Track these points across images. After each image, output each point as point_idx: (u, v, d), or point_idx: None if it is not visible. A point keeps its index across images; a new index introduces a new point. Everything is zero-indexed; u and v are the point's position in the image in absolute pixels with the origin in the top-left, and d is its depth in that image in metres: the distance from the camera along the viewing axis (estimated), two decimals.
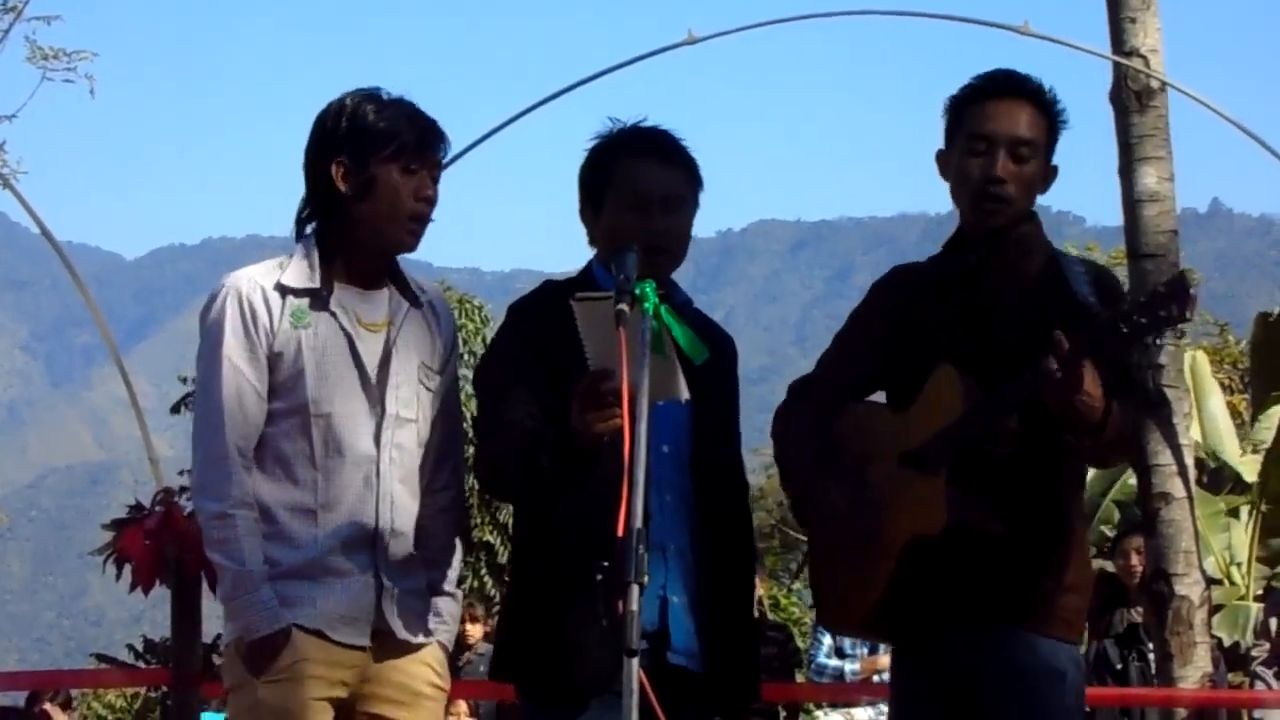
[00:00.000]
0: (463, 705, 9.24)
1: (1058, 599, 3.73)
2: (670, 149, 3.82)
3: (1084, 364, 3.46)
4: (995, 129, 3.76)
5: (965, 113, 3.82)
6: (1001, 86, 3.82)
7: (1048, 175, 3.85)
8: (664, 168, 3.78)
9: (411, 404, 3.76)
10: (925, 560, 3.67)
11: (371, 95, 3.74)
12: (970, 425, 3.64)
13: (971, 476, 3.64)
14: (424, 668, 3.78)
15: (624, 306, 3.15)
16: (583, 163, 3.86)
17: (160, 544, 5.48)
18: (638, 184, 3.75)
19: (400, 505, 3.73)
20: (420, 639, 3.77)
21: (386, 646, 3.72)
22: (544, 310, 3.73)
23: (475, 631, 10.07)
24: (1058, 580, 3.73)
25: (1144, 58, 7.90)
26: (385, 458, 3.71)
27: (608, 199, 3.78)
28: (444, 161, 3.82)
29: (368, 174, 3.67)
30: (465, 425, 4.22)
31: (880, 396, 3.97)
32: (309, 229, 3.78)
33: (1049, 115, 3.82)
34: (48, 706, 10.05)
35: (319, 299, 3.70)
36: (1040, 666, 3.69)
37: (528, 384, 3.63)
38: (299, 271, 3.71)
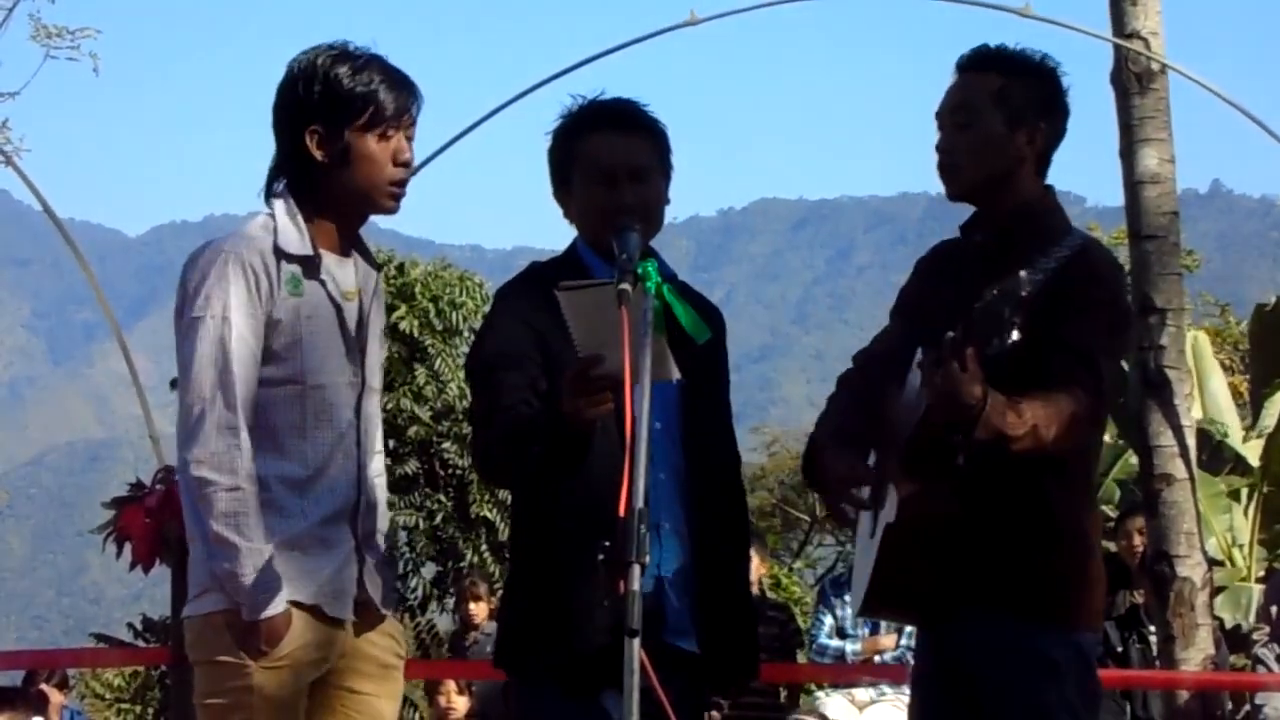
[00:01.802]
0: (451, 684, 9.16)
1: (1043, 583, 3.66)
2: (631, 119, 3.79)
3: (958, 360, 3.38)
4: (939, 107, 3.84)
5: None
6: (956, 65, 3.85)
7: (1020, 134, 3.76)
8: (627, 139, 3.75)
9: (377, 372, 3.77)
10: (906, 543, 3.65)
11: (342, 55, 3.66)
12: (923, 417, 3.56)
13: (937, 461, 3.60)
14: (389, 639, 3.78)
15: (626, 286, 3.14)
16: (549, 145, 3.83)
17: (160, 522, 5.48)
18: (602, 158, 3.72)
19: (371, 475, 3.75)
20: (389, 609, 3.78)
21: (364, 619, 3.72)
22: (532, 292, 3.71)
23: (480, 610, 9.96)
24: (1044, 563, 3.67)
25: (1144, 40, 7.90)
26: (362, 428, 3.70)
27: (575, 177, 3.77)
28: (417, 115, 3.74)
29: (344, 142, 3.61)
30: (466, 402, 4.22)
31: None
32: (280, 186, 3.70)
33: (1010, 75, 3.77)
34: (44, 687, 10.02)
35: (310, 265, 3.64)
36: (1026, 653, 3.64)
37: (520, 369, 3.62)
38: (290, 235, 3.63)
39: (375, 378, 3.76)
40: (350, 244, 3.75)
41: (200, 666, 3.63)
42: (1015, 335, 3.31)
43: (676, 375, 3.33)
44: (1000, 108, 3.76)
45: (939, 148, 3.83)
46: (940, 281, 3.87)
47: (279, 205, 3.66)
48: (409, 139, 3.70)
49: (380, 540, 3.78)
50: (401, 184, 3.70)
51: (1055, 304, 3.55)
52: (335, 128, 3.61)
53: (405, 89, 3.68)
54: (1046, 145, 3.82)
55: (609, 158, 3.72)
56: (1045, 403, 3.52)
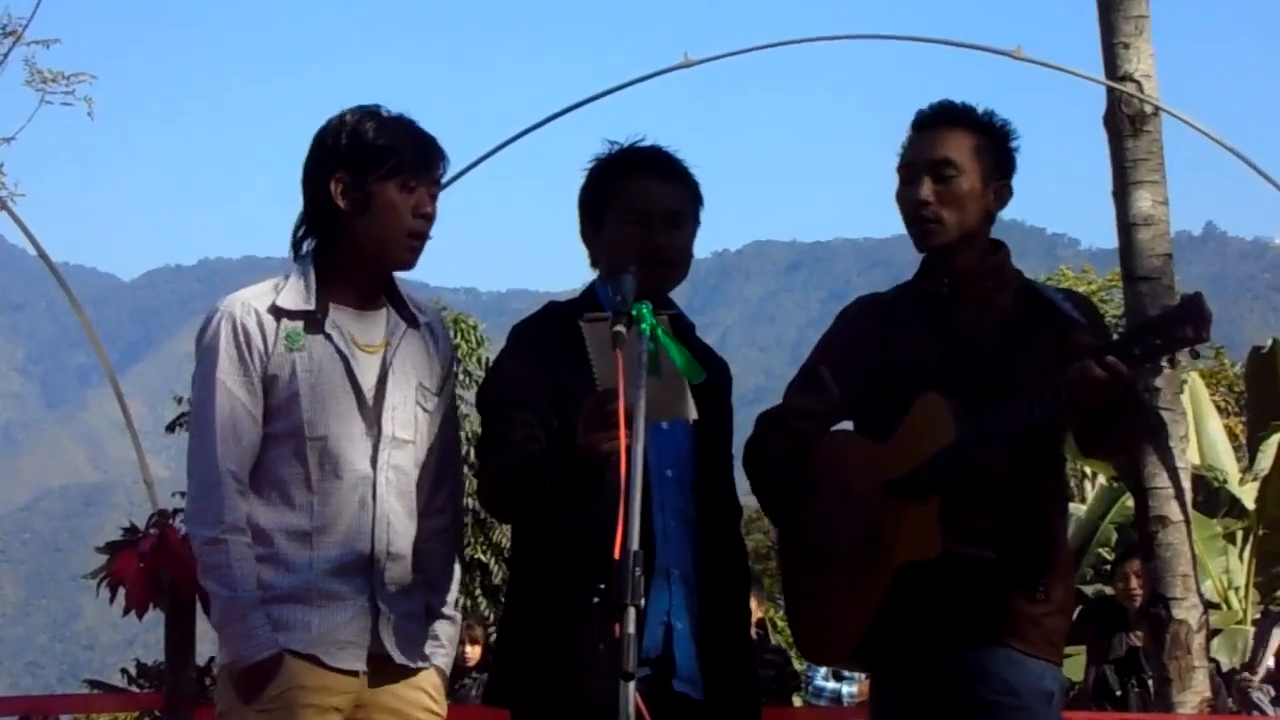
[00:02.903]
0: None
1: (1045, 620, 3.73)
2: (671, 166, 3.83)
3: (1123, 365, 3.48)
4: (914, 156, 3.86)
5: (903, 146, 3.91)
6: (923, 118, 3.90)
7: (989, 191, 3.84)
8: (665, 183, 3.79)
9: (409, 425, 3.74)
10: (917, 586, 3.66)
11: (371, 112, 3.73)
12: (967, 450, 3.63)
13: (959, 498, 3.64)
14: (420, 693, 3.75)
15: (620, 328, 3.14)
16: (583, 183, 3.86)
17: (154, 567, 5.45)
18: (639, 199, 3.75)
19: (397, 527, 3.71)
20: (417, 663, 3.74)
21: (383, 671, 3.69)
22: (547, 332, 3.72)
23: (473, 654, 9.96)
24: (1046, 601, 3.74)
25: (1137, 83, 7.92)
26: (382, 479, 3.68)
27: (608, 216, 3.78)
28: (442, 180, 3.81)
29: (367, 190, 3.66)
30: (460, 445, 4.20)
31: (846, 426, 3.97)
32: (306, 248, 3.77)
33: (981, 133, 3.85)
34: None
35: (313, 321, 3.68)
36: (1032, 687, 3.69)
37: (531, 406, 3.62)
38: (294, 293, 3.69)
39: (404, 430, 3.74)
40: (378, 297, 3.78)
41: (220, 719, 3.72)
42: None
43: (694, 414, 3.33)
44: (978, 163, 3.83)
45: (917, 199, 3.83)
46: (900, 331, 3.87)
47: (297, 266, 3.74)
48: (432, 197, 3.74)
49: (413, 593, 3.75)
50: (419, 236, 3.72)
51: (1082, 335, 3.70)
52: (359, 175, 3.66)
53: (430, 147, 3.74)
54: (1005, 202, 3.91)
55: (646, 200, 3.75)
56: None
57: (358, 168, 3.66)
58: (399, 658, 3.69)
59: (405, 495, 3.73)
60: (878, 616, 3.72)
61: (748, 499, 3.98)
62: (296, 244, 3.79)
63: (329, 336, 3.68)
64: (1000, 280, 3.88)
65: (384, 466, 3.69)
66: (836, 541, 3.78)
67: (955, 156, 3.81)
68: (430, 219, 3.73)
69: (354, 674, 3.65)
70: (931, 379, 3.72)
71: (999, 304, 3.83)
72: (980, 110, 3.90)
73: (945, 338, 3.81)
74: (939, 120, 3.88)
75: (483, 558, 25.11)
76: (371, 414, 3.69)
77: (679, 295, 3.89)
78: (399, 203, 3.67)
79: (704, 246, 3.91)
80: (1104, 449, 3.89)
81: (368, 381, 3.70)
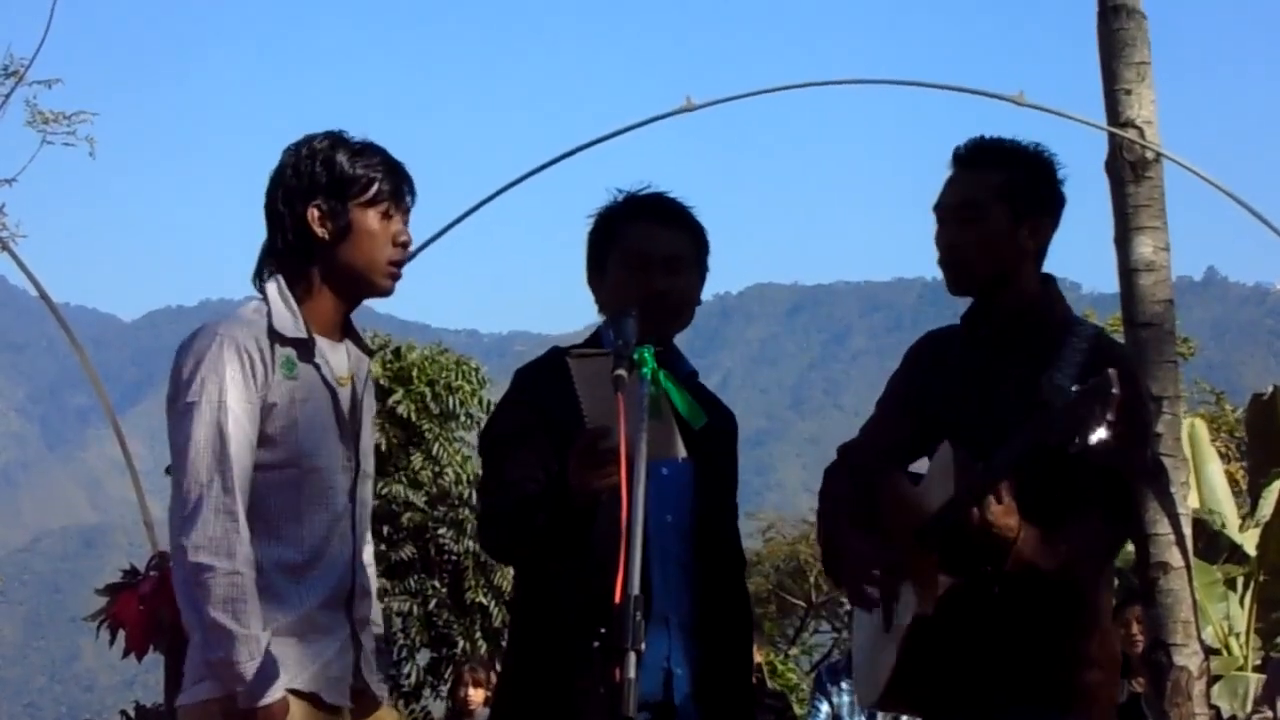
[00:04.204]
0: None
1: (1077, 674, 3.65)
2: (673, 212, 3.86)
3: (996, 487, 3.40)
4: (940, 201, 3.83)
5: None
6: (956, 157, 3.85)
7: (1022, 229, 3.77)
8: (666, 229, 3.81)
9: (370, 457, 3.78)
10: (931, 638, 3.60)
11: (341, 139, 3.71)
12: (956, 505, 3.55)
13: (974, 549, 3.56)
14: None
15: (622, 371, 3.13)
16: (589, 229, 3.89)
17: (154, 608, 5.45)
18: (639, 244, 3.78)
19: (366, 560, 3.75)
20: (382, 695, 3.76)
21: (360, 706, 3.70)
22: (549, 376, 3.73)
23: (477, 696, 9.92)
24: (1075, 654, 3.65)
25: (1139, 129, 7.94)
26: (357, 514, 3.70)
27: (610, 261, 3.82)
28: (413, 205, 3.78)
29: (346, 218, 3.65)
30: (462, 487, 4.22)
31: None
32: (267, 275, 3.70)
33: (1012, 170, 3.79)
34: None
35: (305, 349, 3.65)
36: None
37: (531, 448, 3.64)
38: (285, 318, 3.63)
39: (369, 463, 3.77)
40: (343, 328, 3.77)
41: None
42: (1104, 434, 3.23)
43: (683, 453, 3.32)
44: (1005, 203, 3.76)
45: (943, 243, 3.81)
46: (942, 374, 3.85)
47: (271, 289, 3.66)
48: (406, 224, 3.74)
49: (374, 627, 3.77)
50: (399, 264, 3.72)
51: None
52: (339, 203, 3.65)
53: (404, 175, 3.74)
54: (1046, 237, 3.84)
55: (646, 245, 3.78)
56: (1081, 533, 3.54)
57: (336, 195, 3.64)
58: (377, 690, 3.70)
59: (368, 528, 3.77)
60: (899, 665, 3.65)
61: (752, 541, 3.97)
62: (259, 273, 3.72)
63: (317, 366, 3.65)
64: (1035, 320, 3.78)
65: (358, 500, 3.70)
66: (875, 578, 3.72)
67: (978, 197, 3.76)
68: (408, 245, 3.73)
69: (340, 710, 3.63)
70: (954, 423, 3.70)
71: (1033, 349, 3.72)
72: (1016, 145, 3.83)
73: (974, 383, 3.77)
74: (970, 161, 3.83)
75: (483, 600, 25.01)
76: (350, 447, 3.69)
77: (681, 338, 3.90)
78: (379, 230, 3.66)
79: (705, 289, 3.93)
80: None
81: (345, 413, 3.70)
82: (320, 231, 3.65)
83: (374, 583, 3.85)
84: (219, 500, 3.49)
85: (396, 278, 3.73)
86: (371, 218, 3.66)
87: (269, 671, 3.48)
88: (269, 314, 3.63)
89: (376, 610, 3.84)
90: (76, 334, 9.84)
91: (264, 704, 3.47)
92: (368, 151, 3.70)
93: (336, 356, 3.72)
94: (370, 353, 3.83)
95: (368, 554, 3.80)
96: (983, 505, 3.39)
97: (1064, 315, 3.84)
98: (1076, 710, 3.64)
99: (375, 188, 3.65)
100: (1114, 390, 3.24)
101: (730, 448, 3.90)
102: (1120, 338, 8.09)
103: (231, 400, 3.52)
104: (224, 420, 3.51)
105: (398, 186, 3.70)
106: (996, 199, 3.76)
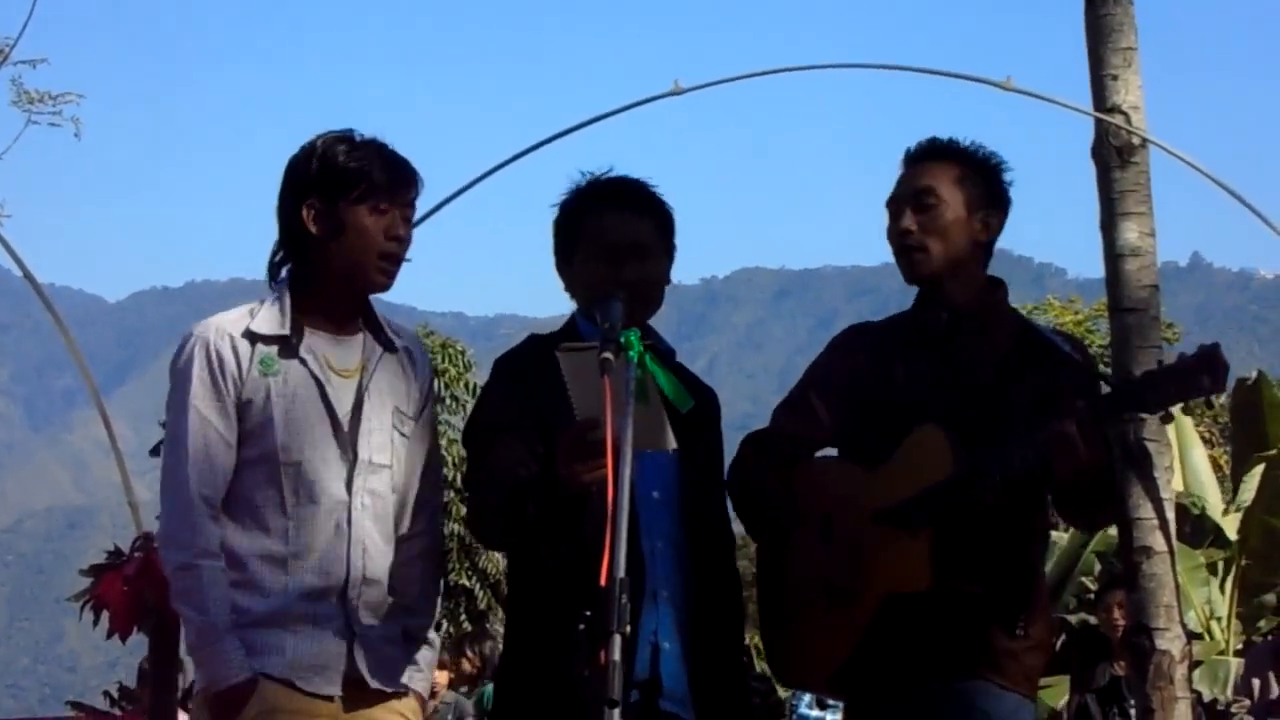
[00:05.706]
0: None
1: (1024, 656, 3.75)
2: (637, 198, 3.84)
3: (1100, 430, 3.49)
4: (894, 194, 3.90)
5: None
6: (909, 155, 3.95)
7: (974, 219, 3.86)
8: (630, 216, 3.80)
9: (385, 450, 3.74)
10: (900, 616, 3.66)
11: (343, 137, 3.74)
12: (963, 486, 3.61)
13: (948, 532, 3.63)
14: (397, 717, 3.75)
15: (609, 355, 3.14)
16: (554, 218, 3.89)
17: (139, 590, 5.44)
18: (605, 234, 3.77)
19: (373, 552, 3.71)
20: (393, 687, 3.74)
21: (359, 695, 3.69)
22: (529, 363, 3.73)
23: (441, 679, 9.90)
24: (1026, 636, 3.75)
25: (1125, 114, 7.92)
26: (357, 504, 3.69)
27: (578, 251, 3.81)
28: (416, 201, 3.80)
29: (338, 215, 3.67)
30: (448, 470, 4.21)
31: (830, 452, 3.97)
32: (283, 273, 3.78)
33: (965, 163, 3.88)
34: None
35: (288, 346, 3.68)
36: (1007, 719, 3.70)
37: (518, 436, 3.63)
38: (269, 318, 3.70)
39: (380, 454, 3.74)
40: (354, 321, 3.78)
41: None
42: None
43: (673, 445, 3.33)
44: (961, 190, 3.84)
45: (900, 230, 3.85)
46: (895, 361, 3.87)
47: (273, 291, 3.75)
48: (405, 219, 3.75)
49: (390, 617, 3.74)
50: (392, 258, 3.73)
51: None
52: (330, 201, 3.67)
53: (402, 169, 3.74)
54: (996, 233, 3.92)
55: (612, 234, 3.77)
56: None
57: (329, 193, 3.67)
58: (374, 682, 3.69)
59: (382, 519, 3.73)
60: (859, 645, 3.71)
61: (737, 525, 3.98)
62: (273, 269, 3.79)
63: (303, 361, 3.68)
64: (996, 317, 3.89)
65: (359, 491, 3.69)
66: (817, 568, 3.77)
67: (936, 185, 3.84)
68: (402, 241, 3.73)
69: (329, 699, 3.64)
70: (927, 411, 3.72)
71: (995, 341, 3.84)
72: (966, 142, 3.92)
73: (941, 371, 3.81)
74: (923, 155, 3.92)
75: (467, 583, 25.06)
76: (347, 439, 3.69)
77: (667, 321, 3.90)
78: (370, 226, 3.67)
79: (692, 273, 4.00)
80: (1075, 520, 3.94)
81: (343, 406, 3.70)
82: (313, 228, 3.68)
83: (413, 573, 3.78)
84: (178, 497, 3.64)
85: (390, 273, 3.74)
86: (363, 214, 3.67)
87: (229, 657, 3.56)
88: (256, 314, 3.70)
89: (412, 600, 3.80)
90: (61, 315, 9.80)
91: (224, 688, 3.55)
92: (366, 147, 3.72)
93: (340, 350, 3.74)
94: (393, 347, 3.81)
95: (409, 548, 3.77)
96: (1093, 446, 3.46)
97: (1017, 315, 3.98)
98: (1018, 688, 3.73)
99: (366, 183, 3.66)
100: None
101: (714, 427, 3.90)
102: (1105, 322, 8.12)
103: (197, 400, 3.64)
104: (189, 419, 3.64)
105: (393, 181, 3.71)
106: (953, 185, 3.84)
